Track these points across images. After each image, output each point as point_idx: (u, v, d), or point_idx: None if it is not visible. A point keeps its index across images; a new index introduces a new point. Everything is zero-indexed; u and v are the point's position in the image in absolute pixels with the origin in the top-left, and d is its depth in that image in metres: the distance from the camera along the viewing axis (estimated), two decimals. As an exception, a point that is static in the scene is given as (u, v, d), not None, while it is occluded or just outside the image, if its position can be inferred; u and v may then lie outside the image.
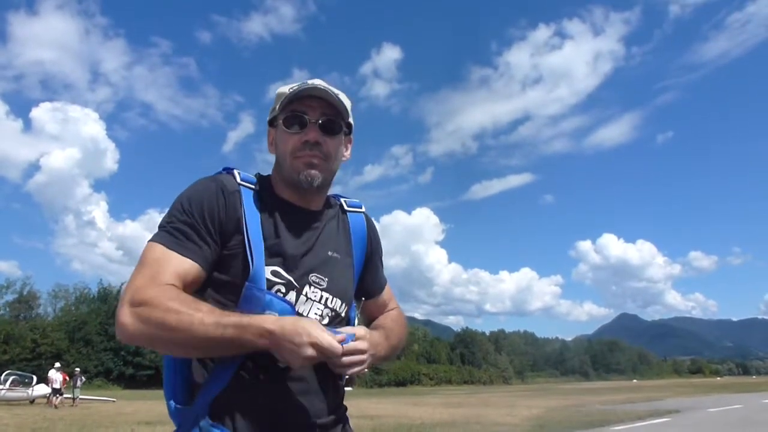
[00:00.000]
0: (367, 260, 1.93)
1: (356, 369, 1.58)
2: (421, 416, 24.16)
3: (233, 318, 1.47)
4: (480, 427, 18.59)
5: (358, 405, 31.93)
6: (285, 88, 1.79)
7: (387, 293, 2.06)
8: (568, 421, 21.02)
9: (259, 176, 1.80)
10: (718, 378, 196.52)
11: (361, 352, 1.59)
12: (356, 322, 1.88)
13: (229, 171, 1.74)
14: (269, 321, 1.48)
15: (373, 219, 2.01)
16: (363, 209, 1.96)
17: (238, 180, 1.71)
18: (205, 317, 1.45)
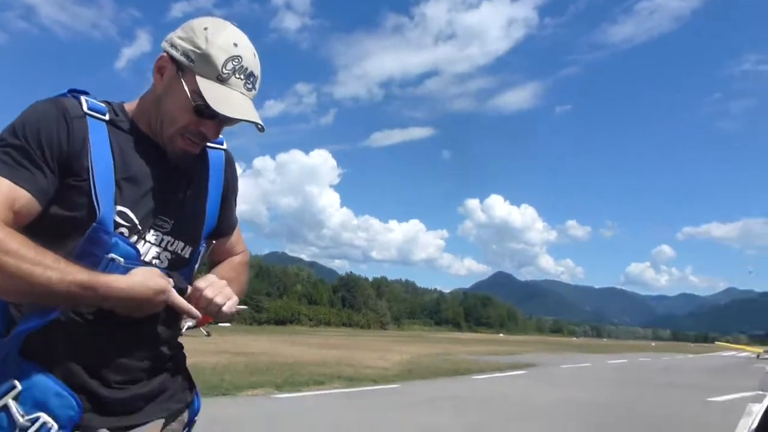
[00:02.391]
0: (222, 200, 1.84)
1: (193, 322, 1.60)
2: (295, 355, 24.64)
3: (79, 276, 1.36)
4: (351, 368, 19.27)
5: (235, 342, 32.00)
6: (216, 40, 1.54)
7: (236, 235, 1.99)
8: (435, 367, 22.21)
9: (111, 105, 1.64)
10: (575, 338, 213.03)
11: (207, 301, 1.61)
12: (198, 264, 1.82)
13: (75, 95, 1.56)
14: (118, 284, 1.41)
15: (233, 156, 1.90)
16: (224, 146, 1.86)
17: (85, 109, 1.53)
18: (51, 269, 1.33)
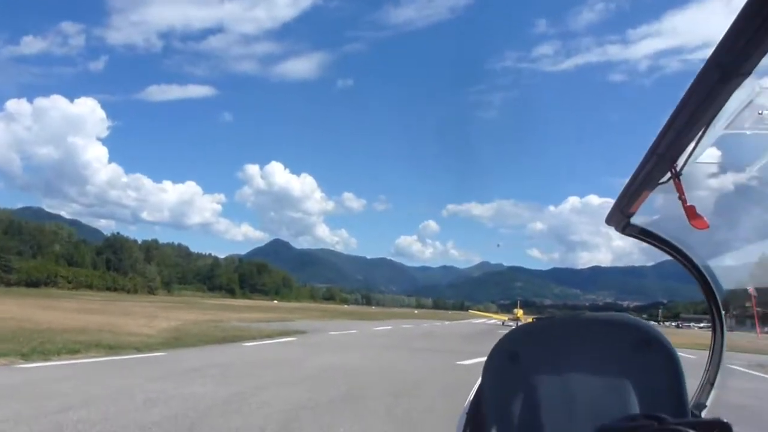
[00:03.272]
0: None
1: None
2: (49, 321, 22.60)
3: None
4: (112, 335, 18.22)
5: (-27, 305, 28.38)
6: None
7: None
8: (204, 335, 21.85)
9: None
10: (346, 305, 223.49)
11: None
12: None
13: None
14: None
15: None
16: None
17: None
18: None
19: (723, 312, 2.33)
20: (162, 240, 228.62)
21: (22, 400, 7.99)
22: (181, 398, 8.93)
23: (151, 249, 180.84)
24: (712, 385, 2.31)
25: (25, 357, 12.13)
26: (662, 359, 1.65)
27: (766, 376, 19.34)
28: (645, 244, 2.29)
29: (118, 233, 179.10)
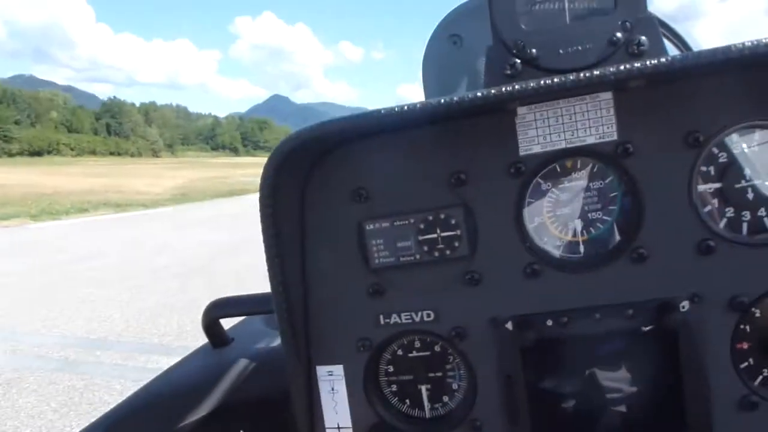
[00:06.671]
0: None
1: None
2: (56, 185, 22.80)
3: None
4: (120, 195, 18.42)
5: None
6: None
7: None
8: (210, 190, 22.15)
9: None
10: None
11: None
12: None
13: None
14: None
15: None
16: None
17: None
18: None
19: None
20: (160, 102, 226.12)
21: (34, 254, 8.20)
22: (188, 245, 9.14)
23: (150, 111, 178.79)
24: None
25: (35, 218, 12.34)
26: None
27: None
28: None
29: (114, 97, 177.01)
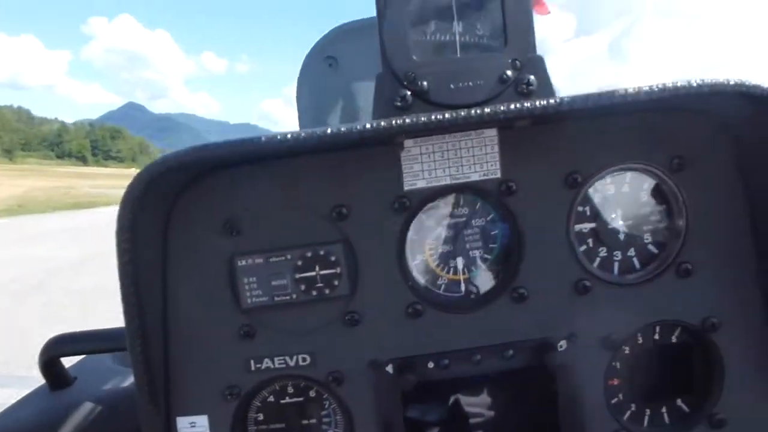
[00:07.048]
0: None
1: None
2: None
3: None
4: (-57, 205, 16.59)
5: None
6: None
7: None
8: (53, 201, 20.53)
9: None
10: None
11: None
12: None
13: None
14: None
15: None
16: None
17: None
18: None
19: None
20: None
21: None
22: (27, 259, 8.43)
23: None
24: None
25: None
26: None
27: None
28: None
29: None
